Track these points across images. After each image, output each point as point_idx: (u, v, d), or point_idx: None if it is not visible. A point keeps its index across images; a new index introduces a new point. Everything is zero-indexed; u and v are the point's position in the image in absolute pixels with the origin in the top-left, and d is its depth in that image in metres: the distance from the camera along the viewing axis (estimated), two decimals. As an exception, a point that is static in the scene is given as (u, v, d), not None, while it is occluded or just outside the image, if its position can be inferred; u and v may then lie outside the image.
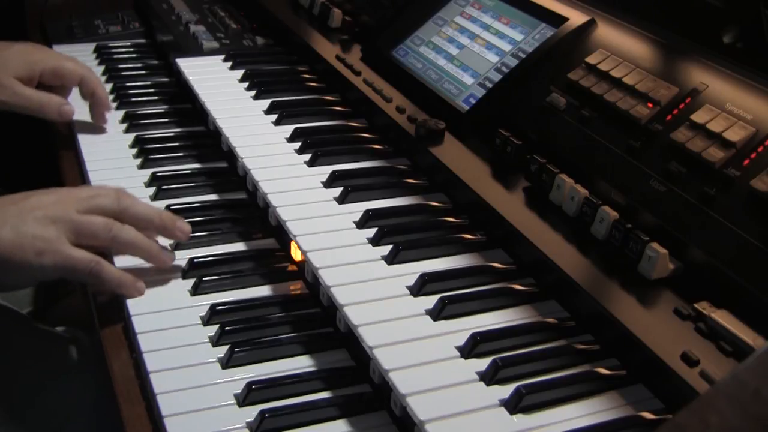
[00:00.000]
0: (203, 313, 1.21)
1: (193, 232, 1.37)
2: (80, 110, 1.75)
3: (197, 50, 1.92)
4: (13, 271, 1.16)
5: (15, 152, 2.35)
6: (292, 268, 1.33)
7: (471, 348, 1.04)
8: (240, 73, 1.80)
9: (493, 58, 1.51)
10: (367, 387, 1.11)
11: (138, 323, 1.18)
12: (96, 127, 1.73)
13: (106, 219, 1.21)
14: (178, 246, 1.35)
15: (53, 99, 1.65)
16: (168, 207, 1.44)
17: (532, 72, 1.43)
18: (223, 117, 1.60)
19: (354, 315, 1.09)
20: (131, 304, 1.22)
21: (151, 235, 1.28)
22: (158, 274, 1.28)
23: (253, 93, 1.72)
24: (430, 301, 1.13)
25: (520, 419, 0.96)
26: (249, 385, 1.07)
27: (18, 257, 1.14)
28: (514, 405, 0.96)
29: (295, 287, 1.30)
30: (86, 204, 1.22)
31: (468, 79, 1.51)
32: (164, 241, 1.32)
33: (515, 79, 1.44)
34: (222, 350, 1.14)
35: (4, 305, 1.50)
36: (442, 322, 1.10)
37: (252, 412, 1.04)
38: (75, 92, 1.75)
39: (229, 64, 1.86)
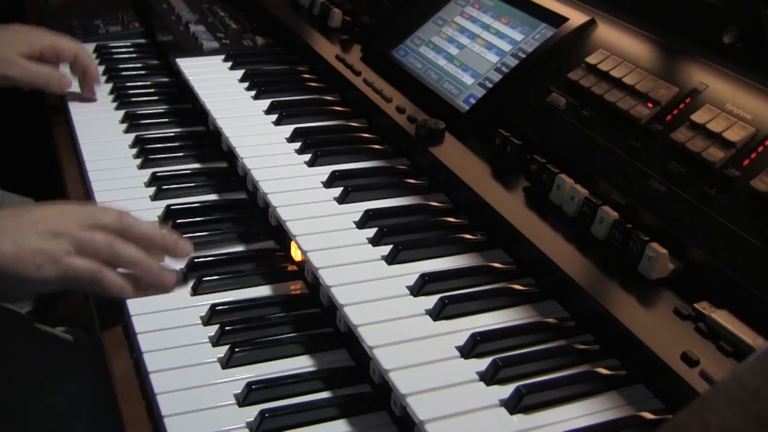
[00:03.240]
0: (203, 313, 1.21)
1: (193, 232, 1.37)
2: (81, 113, 1.76)
3: (197, 50, 1.92)
4: (14, 283, 1.16)
5: (15, 153, 2.36)
6: (292, 268, 1.33)
7: (471, 348, 1.04)
8: (240, 73, 1.80)
9: (493, 58, 1.51)
10: (367, 387, 1.11)
11: (138, 323, 1.18)
12: (96, 126, 1.74)
13: (108, 235, 1.20)
14: (178, 246, 1.35)
15: (55, 72, 1.78)
16: (168, 207, 1.44)
17: (532, 72, 1.43)
18: (223, 117, 1.60)
19: (354, 315, 1.09)
20: (131, 304, 1.22)
21: (154, 254, 1.27)
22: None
23: (253, 93, 1.72)
24: (430, 301, 1.13)
25: (520, 419, 0.96)
26: (249, 385, 1.07)
27: (19, 270, 1.14)
28: (514, 405, 0.96)
29: (295, 287, 1.30)
30: (89, 220, 1.21)
31: (468, 79, 1.51)
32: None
33: (515, 79, 1.44)
34: (222, 350, 1.14)
35: (4, 305, 1.50)
36: (442, 322, 1.10)
37: (252, 412, 1.04)
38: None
39: (229, 64, 1.86)
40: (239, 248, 1.39)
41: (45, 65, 1.76)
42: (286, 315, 1.22)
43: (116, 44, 2.18)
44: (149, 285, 1.24)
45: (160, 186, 1.51)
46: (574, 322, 1.12)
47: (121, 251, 1.21)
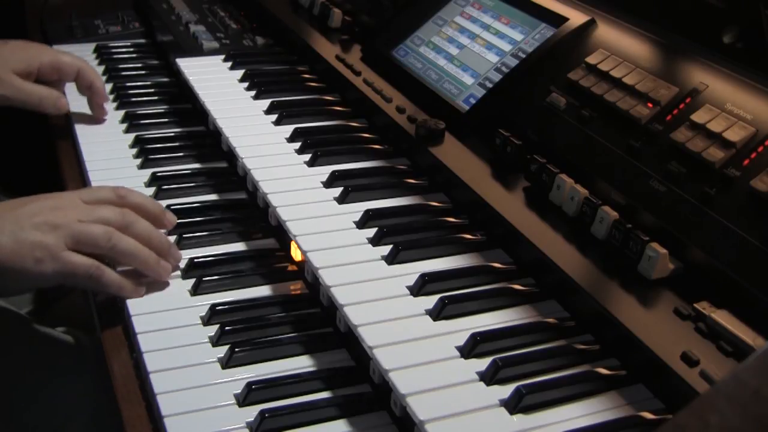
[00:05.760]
0: (203, 313, 1.21)
1: (193, 232, 1.37)
2: (80, 109, 1.75)
3: (197, 50, 1.92)
4: (12, 277, 1.16)
5: (15, 153, 2.35)
6: (292, 268, 1.33)
7: (471, 348, 1.04)
8: (240, 73, 1.80)
9: (493, 58, 1.51)
10: (367, 387, 1.11)
11: (138, 323, 1.18)
12: (96, 125, 1.74)
13: (106, 227, 1.21)
14: (178, 246, 1.35)
15: (52, 93, 1.67)
16: (168, 207, 1.43)
17: (532, 72, 1.43)
18: (223, 117, 1.60)
19: (354, 315, 1.09)
20: (131, 304, 1.22)
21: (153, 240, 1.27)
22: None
23: (253, 93, 1.72)
24: (430, 301, 1.13)
25: (520, 419, 0.96)
26: (249, 385, 1.07)
27: (17, 264, 1.14)
28: (514, 405, 0.96)
29: (295, 287, 1.30)
30: (88, 213, 1.21)
31: (468, 79, 1.51)
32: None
33: (515, 79, 1.44)
34: (222, 350, 1.14)
35: (3, 305, 1.50)
36: (442, 322, 1.10)
37: (252, 412, 1.04)
38: (72, 87, 1.78)
39: (229, 64, 1.86)
40: (239, 248, 1.39)
41: (41, 85, 1.67)
42: (286, 315, 1.22)
43: (116, 44, 2.18)
44: (146, 277, 1.24)
45: (160, 186, 1.51)
46: (574, 322, 1.12)
47: (119, 243, 1.21)
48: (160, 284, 1.26)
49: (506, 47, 1.51)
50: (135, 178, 1.56)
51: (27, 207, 1.19)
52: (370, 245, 1.25)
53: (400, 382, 0.99)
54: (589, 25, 1.42)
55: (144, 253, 1.23)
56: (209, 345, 1.16)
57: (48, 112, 1.69)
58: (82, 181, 1.61)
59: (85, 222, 1.19)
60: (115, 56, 2.10)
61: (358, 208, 1.32)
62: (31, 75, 1.66)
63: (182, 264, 1.30)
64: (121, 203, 1.26)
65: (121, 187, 1.30)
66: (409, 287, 1.16)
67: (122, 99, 1.84)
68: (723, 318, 0.98)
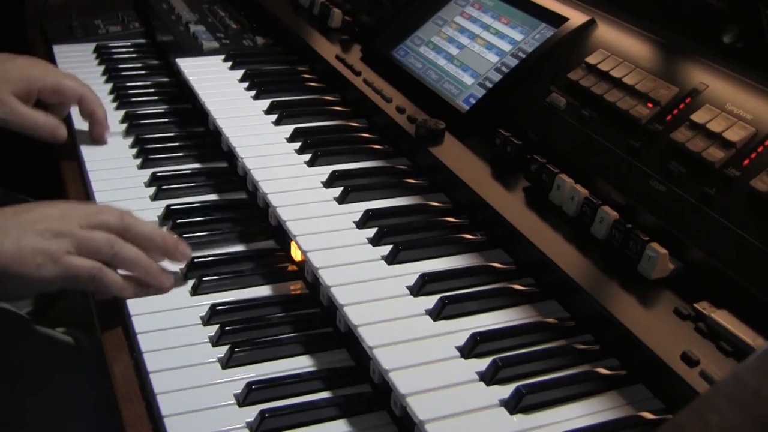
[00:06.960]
0: (203, 313, 1.21)
1: (193, 232, 1.37)
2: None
3: (197, 50, 1.92)
4: (14, 283, 1.16)
5: (15, 152, 2.35)
6: (292, 268, 1.33)
7: (471, 348, 1.04)
8: (240, 73, 1.80)
9: (493, 58, 1.51)
10: (367, 387, 1.11)
11: (138, 323, 1.18)
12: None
13: (109, 235, 1.20)
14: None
15: (49, 121, 1.60)
16: (168, 207, 1.44)
17: (532, 72, 1.43)
18: (223, 117, 1.60)
19: (354, 315, 1.09)
20: (131, 304, 1.22)
21: (153, 255, 1.27)
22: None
23: (253, 93, 1.72)
24: (430, 301, 1.13)
25: (520, 419, 0.96)
26: (249, 385, 1.07)
27: (19, 270, 1.14)
28: (514, 405, 0.96)
29: (295, 287, 1.30)
30: (90, 219, 1.21)
31: (468, 79, 1.51)
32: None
33: (515, 79, 1.44)
34: (222, 350, 1.14)
35: (3, 306, 1.50)
36: (442, 322, 1.10)
37: (252, 412, 1.04)
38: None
39: (229, 64, 1.86)
40: (239, 248, 1.39)
41: (40, 111, 1.59)
42: (286, 315, 1.22)
43: (116, 44, 2.18)
44: (148, 286, 1.24)
45: (160, 186, 1.51)
46: (574, 322, 1.12)
47: (122, 251, 1.21)
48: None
49: (506, 47, 1.51)
50: (135, 178, 1.56)
51: (31, 213, 1.19)
52: (370, 245, 1.25)
53: (400, 382, 0.99)
54: (589, 25, 1.42)
55: (145, 261, 1.23)
56: (209, 345, 1.16)
57: (43, 139, 1.61)
58: (83, 181, 1.61)
59: (86, 229, 1.19)
60: (115, 56, 2.10)
61: (358, 208, 1.32)
62: (31, 97, 1.60)
63: (182, 264, 1.30)
64: (124, 234, 1.23)
65: (128, 214, 1.26)
66: (409, 287, 1.16)
67: (122, 99, 1.84)
68: (723, 318, 0.98)
